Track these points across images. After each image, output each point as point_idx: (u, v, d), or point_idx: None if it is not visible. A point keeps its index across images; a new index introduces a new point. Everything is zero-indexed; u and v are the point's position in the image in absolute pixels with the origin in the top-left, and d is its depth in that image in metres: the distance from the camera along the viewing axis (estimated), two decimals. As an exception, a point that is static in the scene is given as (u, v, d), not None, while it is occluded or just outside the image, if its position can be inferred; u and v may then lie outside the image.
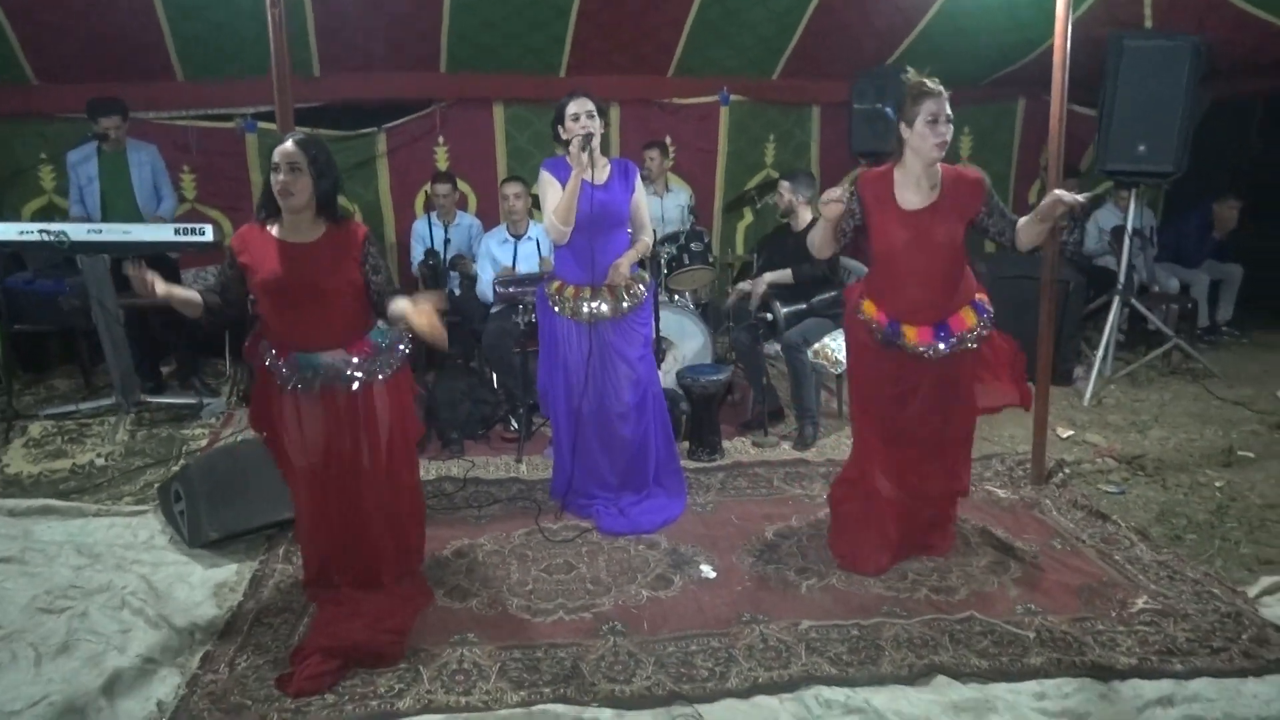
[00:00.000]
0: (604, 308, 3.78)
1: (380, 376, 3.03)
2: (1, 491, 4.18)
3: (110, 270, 4.96)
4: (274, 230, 2.94)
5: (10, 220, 5.51)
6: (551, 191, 3.72)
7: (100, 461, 4.56)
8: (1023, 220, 3.21)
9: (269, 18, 3.25)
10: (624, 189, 3.79)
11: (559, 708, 2.57)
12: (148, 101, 5.84)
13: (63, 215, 5.82)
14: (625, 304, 3.81)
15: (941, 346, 3.22)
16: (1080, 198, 3.10)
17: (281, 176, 2.82)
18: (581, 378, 3.84)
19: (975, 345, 3.26)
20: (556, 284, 3.86)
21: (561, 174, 3.69)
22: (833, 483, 3.71)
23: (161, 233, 4.83)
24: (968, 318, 3.27)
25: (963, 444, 3.48)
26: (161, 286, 2.80)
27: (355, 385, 2.97)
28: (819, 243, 3.39)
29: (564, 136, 3.68)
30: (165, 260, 5.52)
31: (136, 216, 5.32)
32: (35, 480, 4.34)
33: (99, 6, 5.13)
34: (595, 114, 3.63)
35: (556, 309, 3.83)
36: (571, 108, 3.65)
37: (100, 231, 4.74)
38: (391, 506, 3.15)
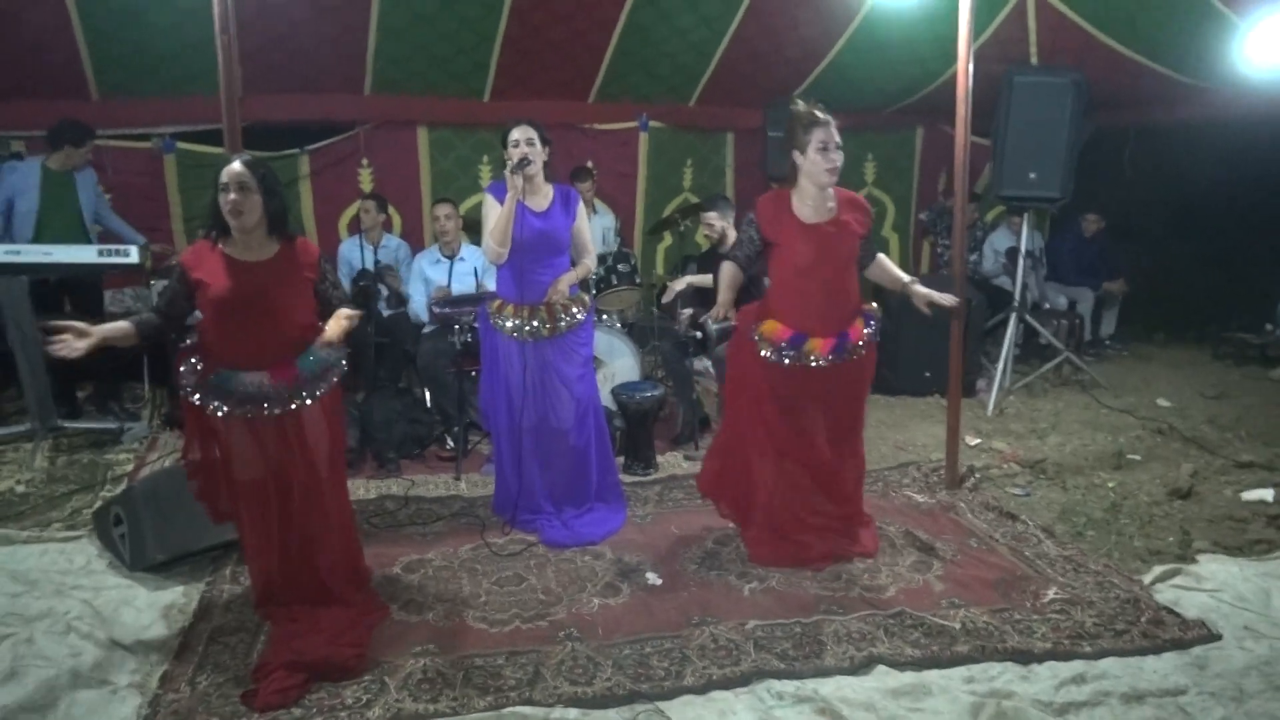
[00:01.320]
0: (542, 327, 3.89)
1: (309, 400, 3.03)
2: (-83, 521, 4.04)
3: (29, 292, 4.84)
4: (225, 248, 3.00)
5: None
6: (493, 214, 3.83)
7: (21, 489, 4.43)
8: (887, 262, 3.66)
9: (218, 44, 3.29)
10: (564, 216, 3.92)
11: (527, 709, 2.68)
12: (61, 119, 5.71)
13: (-31, 236, 5.64)
14: (563, 323, 3.92)
15: (834, 358, 3.49)
16: (950, 301, 3.68)
17: (232, 196, 2.89)
18: (521, 395, 3.95)
19: (865, 352, 3.57)
20: (498, 303, 3.96)
21: (503, 197, 3.81)
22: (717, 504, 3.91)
23: (84, 254, 4.70)
24: (861, 326, 3.56)
25: (859, 441, 3.76)
26: (88, 339, 2.84)
27: (277, 410, 2.97)
28: (723, 287, 3.71)
29: (505, 160, 3.81)
30: (89, 282, 5.42)
31: (79, 238, 5.21)
32: (-49, 509, 4.21)
33: (12, 24, 5.01)
34: (535, 141, 3.77)
35: (496, 326, 3.94)
36: (514, 134, 3.78)
37: (19, 253, 4.60)
38: (336, 522, 3.22)
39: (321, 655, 2.88)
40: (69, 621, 3.13)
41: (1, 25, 5.05)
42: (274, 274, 3.01)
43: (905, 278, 3.70)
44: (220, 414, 2.94)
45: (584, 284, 4.15)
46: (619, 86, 6.76)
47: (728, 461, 3.80)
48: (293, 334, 3.05)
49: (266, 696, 2.72)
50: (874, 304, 3.67)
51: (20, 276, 4.74)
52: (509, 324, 3.89)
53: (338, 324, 3.07)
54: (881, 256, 3.72)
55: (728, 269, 3.70)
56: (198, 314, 3.09)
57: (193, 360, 2.98)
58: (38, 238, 5.20)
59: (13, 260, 4.59)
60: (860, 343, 3.53)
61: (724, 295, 3.72)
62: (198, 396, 2.94)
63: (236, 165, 2.94)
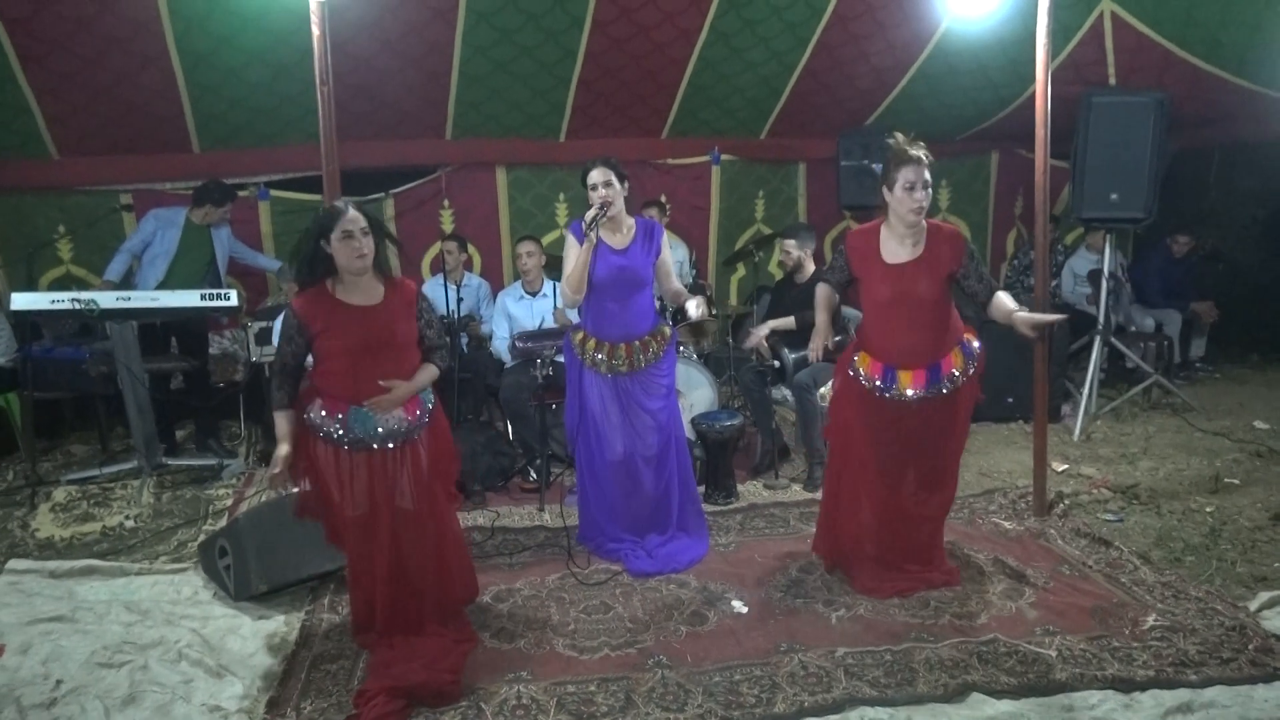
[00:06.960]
0: (621, 364, 3.96)
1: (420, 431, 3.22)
2: (38, 555, 4.26)
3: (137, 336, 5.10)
4: (341, 295, 3.09)
5: (27, 290, 5.61)
6: (572, 254, 3.91)
7: (130, 523, 4.65)
8: (1004, 298, 3.49)
9: (319, 95, 3.46)
10: (645, 252, 3.95)
11: (621, 735, 2.72)
12: (165, 172, 6.04)
13: (80, 284, 5.97)
14: (643, 359, 3.99)
15: (931, 390, 3.47)
16: (1058, 317, 3.71)
17: (357, 243, 3.00)
18: (604, 427, 4.01)
19: (960, 384, 3.52)
20: (581, 335, 4.04)
21: (582, 238, 3.89)
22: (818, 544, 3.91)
23: (188, 299, 4.95)
24: (956, 359, 3.52)
25: (951, 471, 3.70)
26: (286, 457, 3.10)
27: (410, 438, 3.17)
28: (820, 309, 3.75)
29: (590, 201, 3.88)
30: (194, 324, 5.71)
31: (206, 285, 5.55)
32: (68, 543, 4.42)
33: (125, 85, 5.33)
34: (613, 181, 3.82)
35: (580, 358, 4.02)
36: (592, 176, 3.84)
37: (129, 299, 4.87)
38: (438, 551, 3.31)
39: (420, 680, 2.95)
40: (180, 649, 3.27)
41: (115, 88, 5.38)
42: (390, 314, 3.12)
43: (1013, 307, 3.52)
44: (346, 449, 3.09)
45: (664, 313, 4.20)
46: (691, 122, 6.85)
47: (834, 509, 3.78)
48: (411, 369, 3.19)
49: (369, 720, 2.81)
50: (970, 335, 3.59)
51: (130, 321, 5.00)
52: (591, 358, 3.97)
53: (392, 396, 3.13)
54: (1001, 294, 3.53)
55: (823, 290, 3.73)
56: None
57: (319, 402, 3.10)
58: (166, 282, 5.51)
59: (124, 306, 4.86)
60: (955, 373, 3.50)
61: (820, 316, 3.73)
62: (339, 433, 3.07)
63: (354, 212, 3.02)
